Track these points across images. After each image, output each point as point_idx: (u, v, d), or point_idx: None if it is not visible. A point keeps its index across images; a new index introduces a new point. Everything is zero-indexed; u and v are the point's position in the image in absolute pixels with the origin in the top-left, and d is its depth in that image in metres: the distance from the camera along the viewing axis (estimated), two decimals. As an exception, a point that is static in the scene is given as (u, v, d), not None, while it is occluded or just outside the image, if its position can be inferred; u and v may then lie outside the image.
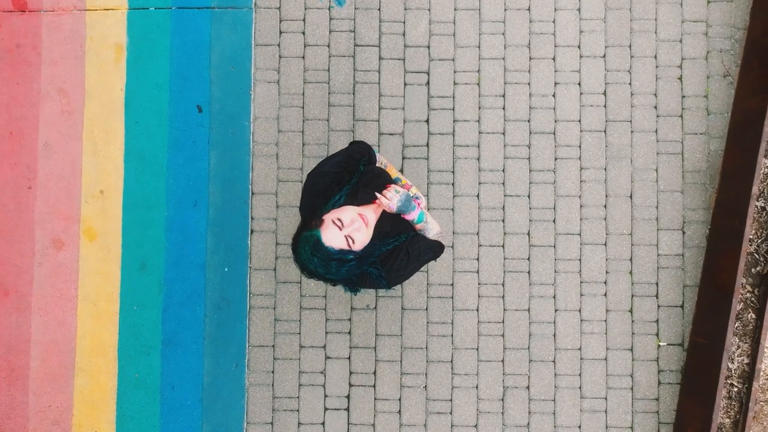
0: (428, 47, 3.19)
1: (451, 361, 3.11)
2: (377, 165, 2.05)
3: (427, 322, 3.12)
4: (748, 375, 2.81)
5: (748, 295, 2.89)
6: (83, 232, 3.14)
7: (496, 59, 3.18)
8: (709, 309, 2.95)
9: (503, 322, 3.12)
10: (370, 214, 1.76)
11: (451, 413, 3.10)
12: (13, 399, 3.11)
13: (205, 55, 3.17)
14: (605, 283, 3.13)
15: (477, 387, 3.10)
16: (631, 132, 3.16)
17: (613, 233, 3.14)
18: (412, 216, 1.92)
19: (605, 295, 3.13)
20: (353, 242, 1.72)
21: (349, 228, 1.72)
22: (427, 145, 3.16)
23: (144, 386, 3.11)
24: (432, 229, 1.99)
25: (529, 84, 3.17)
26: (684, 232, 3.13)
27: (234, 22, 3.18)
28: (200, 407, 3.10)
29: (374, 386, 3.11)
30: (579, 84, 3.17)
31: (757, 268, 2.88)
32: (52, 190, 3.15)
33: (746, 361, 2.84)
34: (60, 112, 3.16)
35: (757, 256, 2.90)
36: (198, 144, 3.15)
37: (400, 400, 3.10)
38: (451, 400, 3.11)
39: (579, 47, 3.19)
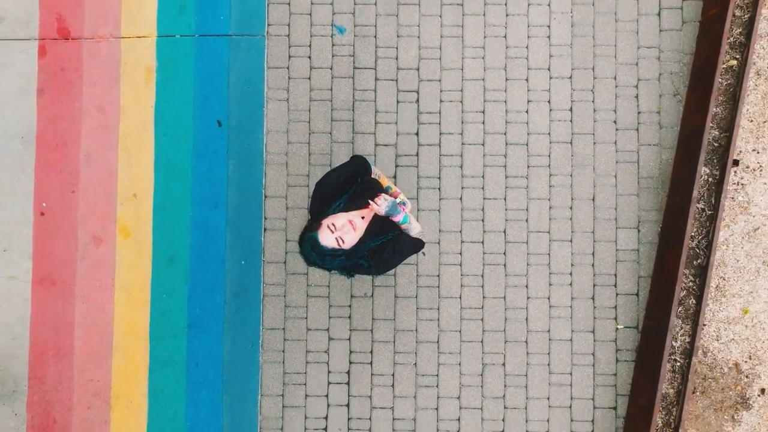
0: (418, 69, 3.67)
1: (438, 342, 3.60)
2: (372, 176, 2.53)
3: (417, 308, 3.61)
4: (689, 352, 3.30)
5: (690, 284, 3.37)
6: (119, 230, 3.63)
7: (477, 80, 3.66)
8: (658, 296, 3.44)
9: (482, 308, 3.61)
10: (359, 220, 2.25)
11: (437, 386, 3.60)
12: (60, 374, 3.61)
13: (224, 76, 3.66)
14: (570, 274, 3.61)
15: (460, 364, 3.59)
16: (594, 143, 3.64)
17: (578, 231, 3.62)
18: (397, 218, 2.41)
19: (570, 284, 3.61)
20: (343, 242, 2.21)
21: (339, 231, 2.20)
22: (417, 154, 3.64)
23: (172, 363, 3.60)
24: (414, 229, 2.48)
25: (505, 102, 3.65)
26: (639, 231, 3.62)
27: (249, 48, 3.67)
28: (221, 381, 3.59)
29: (371, 363, 3.60)
30: (548, 101, 3.65)
31: (697, 261, 3.37)
32: (92, 194, 3.64)
33: (687, 340, 3.33)
34: (98, 126, 3.65)
35: (697, 250, 3.38)
36: (218, 154, 3.63)
37: (393, 375, 3.59)
38: (437, 375, 3.60)
39: (549, 69, 3.67)
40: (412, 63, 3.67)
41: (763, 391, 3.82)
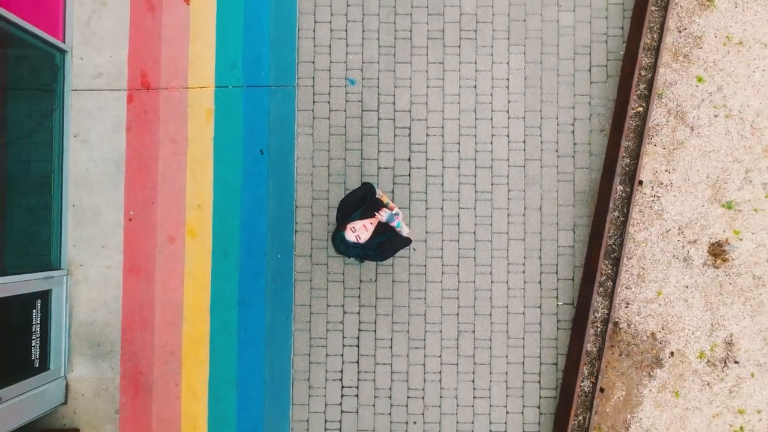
0: (409, 111, 4.91)
1: (424, 315, 4.84)
2: (377, 196, 3.76)
3: (409, 290, 4.85)
4: (606, 320, 4.53)
5: (608, 271, 4.60)
6: (187, 232, 4.87)
7: (454, 119, 4.90)
8: (586, 280, 4.67)
9: (458, 289, 4.84)
10: (369, 225, 3.48)
11: (424, 348, 4.83)
12: (144, 338, 4.85)
13: (264, 116, 4.89)
14: (523, 264, 4.85)
15: (441, 331, 4.83)
16: (541, 167, 4.88)
17: (529, 232, 4.86)
18: (393, 224, 3.64)
19: (523, 272, 4.85)
20: (359, 239, 3.44)
21: (357, 232, 3.43)
22: (409, 175, 4.88)
23: (226, 331, 4.84)
24: (404, 231, 3.71)
25: (475, 136, 4.89)
26: (574, 232, 4.85)
27: (283, 95, 4.90)
28: (263, 344, 4.82)
29: (375, 331, 4.83)
30: (507, 135, 4.89)
31: (614, 255, 4.60)
32: (167, 205, 4.88)
33: (606, 312, 4.56)
34: (171, 154, 4.89)
35: (614, 246, 4.62)
36: (261, 175, 4.87)
37: (391, 339, 4.83)
38: (424, 339, 4.83)
39: (507, 112, 4.90)
40: (405, 107, 4.90)
41: (672, 353, 5.05)
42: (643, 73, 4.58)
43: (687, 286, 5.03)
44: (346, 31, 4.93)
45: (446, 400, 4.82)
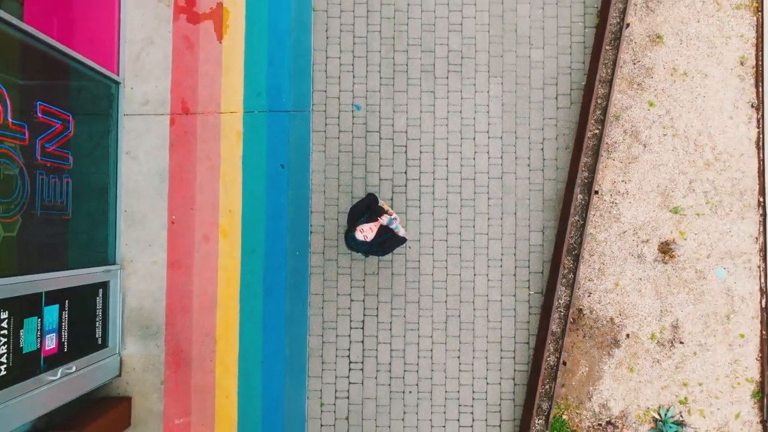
0: (406, 132, 5.87)
1: (418, 302, 5.79)
2: (379, 204, 4.71)
3: (405, 281, 5.80)
4: (568, 305, 5.48)
5: (570, 265, 5.55)
6: (220, 233, 5.82)
7: (443, 139, 5.86)
8: (552, 273, 5.62)
9: (446, 281, 5.80)
10: (374, 226, 4.43)
11: (418, 330, 5.78)
12: (184, 322, 5.80)
13: (285, 136, 5.85)
14: (501, 260, 5.81)
15: (432, 315, 5.78)
16: (516, 179, 5.84)
17: (506, 233, 5.82)
18: (392, 227, 4.59)
19: (501, 266, 5.80)
20: (366, 238, 4.38)
21: (364, 233, 4.38)
22: (405, 185, 5.84)
23: (253, 316, 5.79)
24: (401, 232, 4.65)
25: (460, 153, 5.85)
26: (543, 233, 5.80)
27: (301, 119, 5.86)
28: (283, 327, 5.77)
29: (377, 315, 5.78)
30: (487, 153, 5.85)
31: (574, 252, 5.55)
32: (204, 210, 5.83)
33: (568, 299, 5.51)
34: (207, 168, 5.85)
35: (574, 245, 5.57)
36: (281, 185, 5.82)
37: (390, 322, 5.78)
38: (418, 322, 5.78)
39: (488, 132, 5.86)
40: (402, 128, 5.87)
41: (627, 335, 5.99)
42: (599, 101, 5.54)
43: (640, 279, 5.98)
44: (352, 65, 5.89)
45: (436, 373, 5.78)
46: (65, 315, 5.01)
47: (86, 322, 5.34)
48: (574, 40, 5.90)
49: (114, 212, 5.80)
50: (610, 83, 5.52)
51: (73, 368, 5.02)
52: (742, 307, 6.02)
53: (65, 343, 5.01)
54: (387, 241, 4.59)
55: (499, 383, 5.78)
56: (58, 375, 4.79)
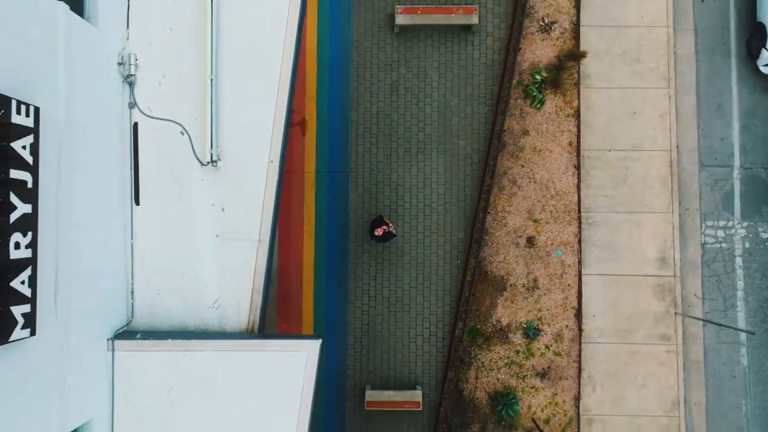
0: (398, 183, 11.77)
1: (402, 266, 11.65)
2: (384, 219, 10.54)
3: (393, 254, 11.67)
4: (474, 270, 11.31)
5: (475, 251, 11.39)
6: (305, 232, 11.72)
7: (415, 185, 11.78)
8: (468, 256, 11.46)
9: (416, 257, 11.66)
10: (381, 229, 10.28)
11: (402, 279, 11.65)
12: (289, 276, 11.69)
13: (347, 184, 11.71)
14: (436, 250, 11.67)
15: (406, 270, 11.64)
16: (445, 202, 11.72)
17: (440, 233, 11.69)
18: (390, 229, 10.43)
19: (438, 252, 11.68)
20: (379, 234, 10.24)
21: (377, 231, 10.24)
22: (397, 212, 11.73)
23: (321, 281, 11.66)
24: (393, 231, 10.51)
25: (424, 192, 11.76)
26: (465, 232, 11.65)
27: (344, 176, 11.75)
28: (337, 278, 11.62)
29: (381, 272, 11.66)
30: (433, 199, 11.74)
31: (480, 241, 11.39)
32: (289, 224, 11.74)
33: (474, 267, 11.35)
34: (297, 198, 11.79)
35: (479, 238, 11.41)
36: (334, 207, 11.70)
37: (388, 274, 11.64)
38: (402, 274, 11.65)
39: (435, 191, 11.77)
40: (397, 181, 11.75)
41: (510, 285, 11.81)
42: (491, 162, 11.37)
43: (517, 255, 11.79)
44: (373, 151, 11.79)
45: (407, 304, 11.62)
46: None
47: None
48: (471, 153, 11.76)
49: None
50: (495, 159, 11.36)
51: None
52: (568, 270, 11.82)
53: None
54: (387, 235, 10.45)
55: (442, 307, 11.61)
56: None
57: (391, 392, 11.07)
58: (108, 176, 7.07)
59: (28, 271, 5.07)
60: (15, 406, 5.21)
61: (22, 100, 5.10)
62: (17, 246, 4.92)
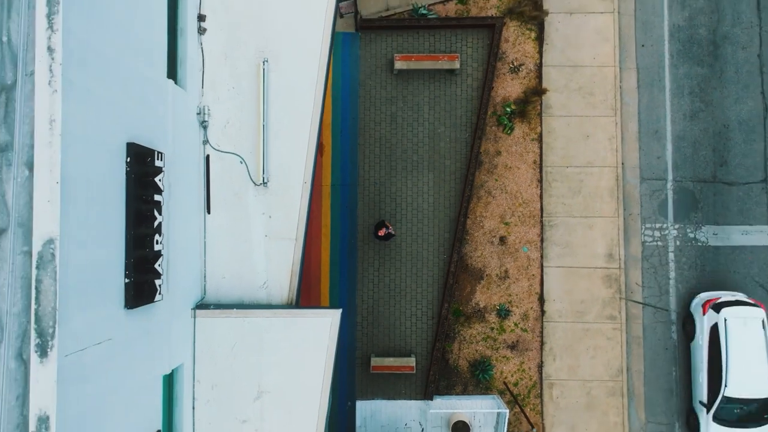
0: (398, 195, 14.74)
1: (401, 260, 14.62)
2: (386, 222, 13.44)
3: (394, 251, 14.63)
4: (458, 263, 14.28)
5: (458, 247, 14.36)
6: (322, 236, 14.69)
7: (413, 198, 14.76)
8: (452, 252, 14.43)
9: (410, 251, 14.62)
10: (384, 230, 13.21)
11: (401, 270, 14.61)
12: (310, 265, 14.66)
13: (356, 195, 14.67)
14: (428, 246, 14.65)
15: (405, 263, 14.60)
16: (435, 209, 14.70)
17: (424, 236, 14.67)
18: (390, 231, 13.34)
19: (429, 249, 14.64)
20: (382, 234, 13.16)
21: (380, 233, 13.17)
22: (396, 217, 14.70)
23: (337, 271, 14.62)
24: (393, 233, 13.41)
25: (417, 205, 14.74)
26: (449, 233, 14.62)
27: (353, 190, 14.72)
28: (348, 270, 14.58)
29: (384, 262, 14.62)
30: (426, 213, 14.73)
31: (461, 240, 14.36)
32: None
33: (458, 260, 14.33)
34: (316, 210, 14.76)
35: (461, 237, 14.39)
36: (345, 212, 14.65)
37: (391, 265, 14.60)
38: (400, 266, 14.62)
39: (433, 205, 14.75)
40: (396, 192, 14.73)
41: (487, 274, 14.80)
42: (470, 177, 14.34)
43: (492, 252, 14.78)
44: (377, 167, 14.74)
45: (405, 287, 14.59)
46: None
47: (274, 266, 14.27)
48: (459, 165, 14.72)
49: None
50: (473, 175, 14.33)
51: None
52: (532, 263, 14.80)
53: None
54: (388, 235, 13.40)
55: (431, 292, 14.58)
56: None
57: (391, 359, 14.04)
58: (190, 193, 10.01)
59: (161, 259, 8.03)
60: (150, 347, 8.16)
61: (157, 149, 8.06)
62: (157, 242, 7.88)
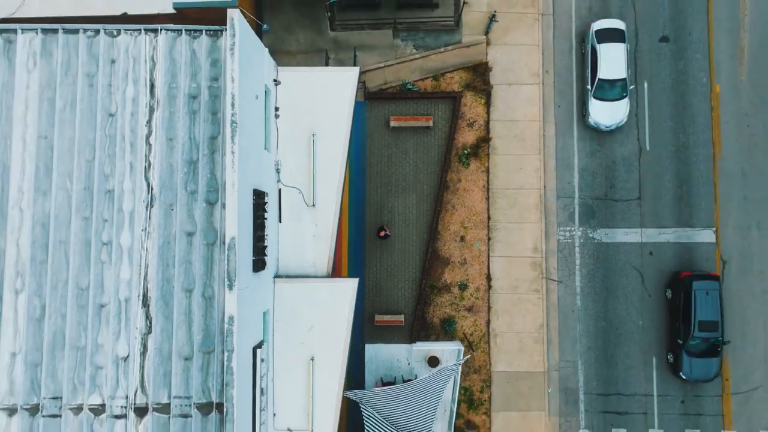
0: (395, 209, 22.15)
1: (396, 248, 22.01)
2: (384, 225, 20.72)
3: (389, 244, 22.01)
4: (433, 253, 21.68)
5: (433, 240, 21.75)
6: (342, 229, 22.07)
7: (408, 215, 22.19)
8: (427, 245, 21.83)
9: (404, 247, 22.02)
10: (383, 232, 20.52)
11: (394, 258, 22.01)
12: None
13: (365, 209, 22.02)
14: (414, 240, 22.06)
15: (399, 250, 22.00)
16: (418, 215, 22.10)
17: (413, 235, 22.07)
18: (388, 232, 20.64)
19: (416, 241, 22.05)
20: (381, 234, 20.50)
21: (380, 234, 20.51)
22: (393, 222, 22.09)
23: (352, 250, 21.96)
24: (389, 234, 20.71)
25: (406, 214, 22.15)
26: (428, 226, 22.03)
27: (363, 205, 22.08)
28: (359, 262, 21.91)
29: (386, 252, 22.01)
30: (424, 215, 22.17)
31: (434, 235, 21.76)
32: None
33: (432, 252, 21.72)
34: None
35: (435, 229, 21.79)
36: (356, 210, 22.01)
37: (389, 255, 21.99)
38: (395, 254, 22.01)
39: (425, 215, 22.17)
40: (395, 209, 22.12)
41: (453, 262, 22.22)
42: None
43: (459, 246, 22.21)
44: (380, 188, 22.14)
45: (398, 271, 21.98)
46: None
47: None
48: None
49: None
50: (442, 195, 21.72)
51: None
52: (482, 254, 22.23)
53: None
54: (386, 236, 20.73)
55: (414, 272, 21.97)
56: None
57: (388, 316, 21.41)
58: (273, 212, 17.37)
59: (267, 248, 15.46)
60: (260, 293, 15.54)
61: (264, 190, 15.49)
62: (265, 239, 15.31)
